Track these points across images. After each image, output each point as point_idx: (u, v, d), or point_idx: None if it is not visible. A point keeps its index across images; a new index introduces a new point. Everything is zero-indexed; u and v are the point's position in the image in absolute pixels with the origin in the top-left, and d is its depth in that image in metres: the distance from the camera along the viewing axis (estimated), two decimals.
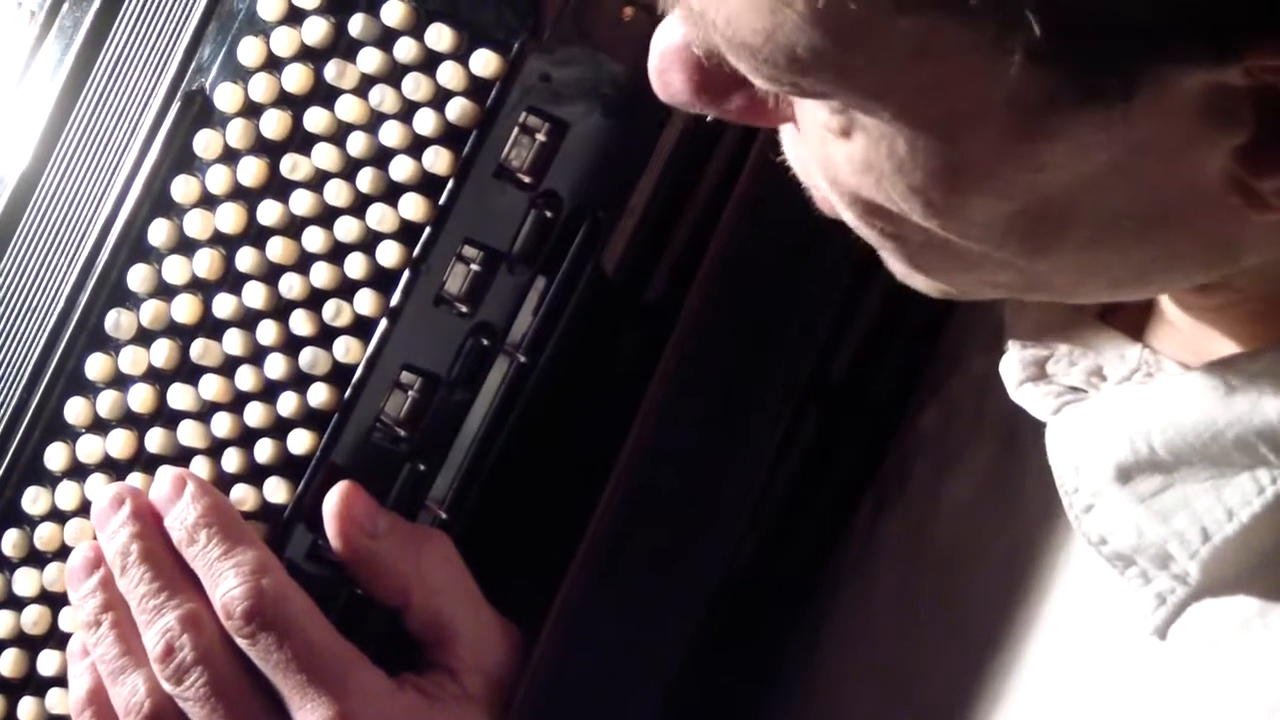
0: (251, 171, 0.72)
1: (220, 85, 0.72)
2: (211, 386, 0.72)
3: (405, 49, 0.70)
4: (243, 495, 0.72)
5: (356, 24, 0.71)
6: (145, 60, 0.74)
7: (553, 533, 0.74)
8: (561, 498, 0.74)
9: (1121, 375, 0.61)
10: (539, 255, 0.72)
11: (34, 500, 0.73)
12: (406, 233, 0.71)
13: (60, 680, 0.73)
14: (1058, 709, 0.64)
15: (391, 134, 0.70)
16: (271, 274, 0.71)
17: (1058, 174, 0.49)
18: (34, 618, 0.73)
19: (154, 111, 0.73)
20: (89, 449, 0.73)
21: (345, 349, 0.71)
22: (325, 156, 0.71)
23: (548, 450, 0.74)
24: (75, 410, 0.73)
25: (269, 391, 0.72)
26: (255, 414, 0.72)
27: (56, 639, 0.73)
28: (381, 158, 0.71)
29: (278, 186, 0.72)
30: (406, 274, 0.71)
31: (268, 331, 0.71)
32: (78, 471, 0.73)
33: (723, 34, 0.48)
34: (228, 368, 0.72)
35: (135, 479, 0.72)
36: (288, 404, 0.71)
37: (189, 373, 0.72)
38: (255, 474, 0.72)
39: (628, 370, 0.75)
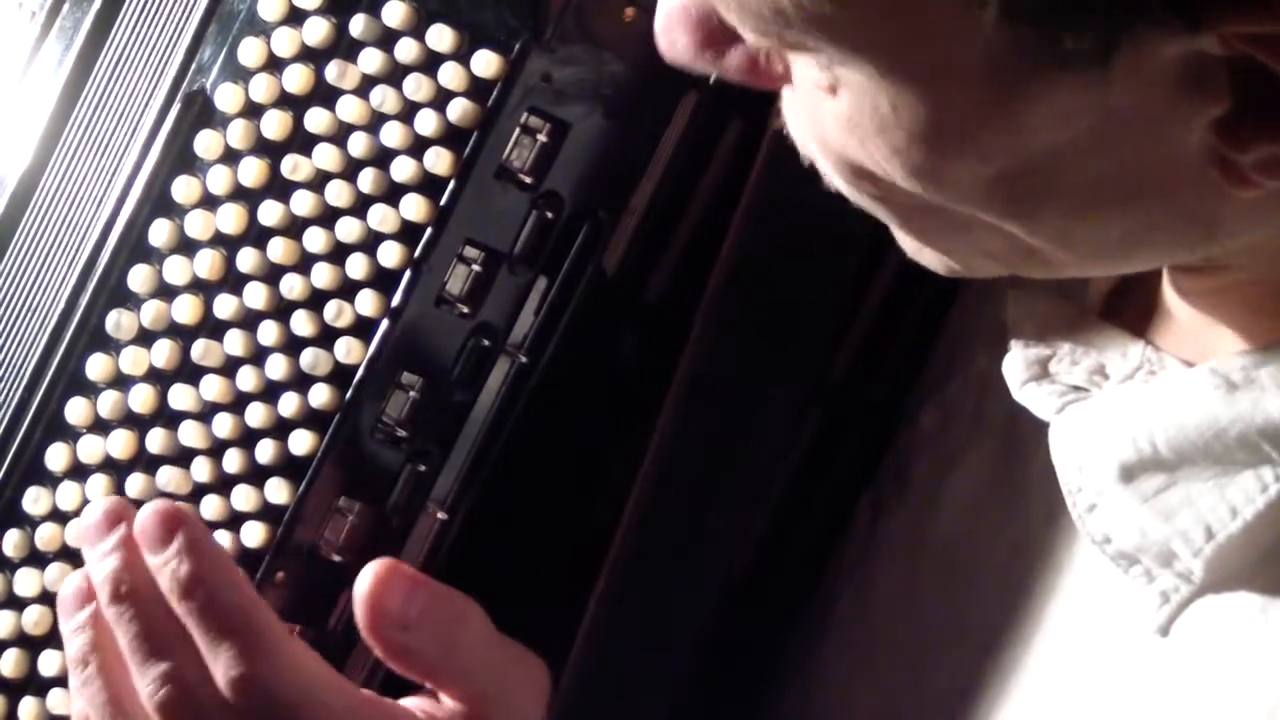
0: (252, 172, 0.71)
1: (221, 86, 0.72)
2: (213, 387, 0.72)
3: (406, 49, 0.70)
4: (244, 496, 0.71)
5: (357, 24, 0.71)
6: (146, 61, 0.74)
7: (554, 533, 0.74)
8: (562, 497, 0.75)
9: (1124, 374, 0.62)
10: (540, 256, 0.72)
11: (35, 500, 0.73)
12: (407, 233, 0.70)
13: (61, 681, 0.73)
14: (1059, 707, 0.64)
15: (393, 135, 0.70)
16: (272, 274, 0.71)
17: (1038, 138, 0.49)
18: (35, 618, 0.73)
19: (155, 112, 0.73)
20: (90, 449, 0.73)
21: (346, 349, 0.71)
22: (326, 157, 0.71)
23: (549, 450, 0.74)
24: (76, 411, 0.73)
25: (270, 392, 0.72)
26: (256, 414, 0.71)
27: (57, 640, 0.72)
28: (383, 158, 0.71)
29: (279, 187, 0.71)
30: (408, 274, 0.71)
31: (269, 332, 0.71)
32: (79, 472, 0.73)
33: None
34: (229, 368, 0.72)
35: (136, 480, 0.72)
36: (289, 404, 0.71)
37: (190, 373, 0.72)
38: (256, 474, 0.72)
39: (629, 369, 0.75)
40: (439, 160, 0.70)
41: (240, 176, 0.72)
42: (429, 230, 0.70)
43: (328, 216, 0.71)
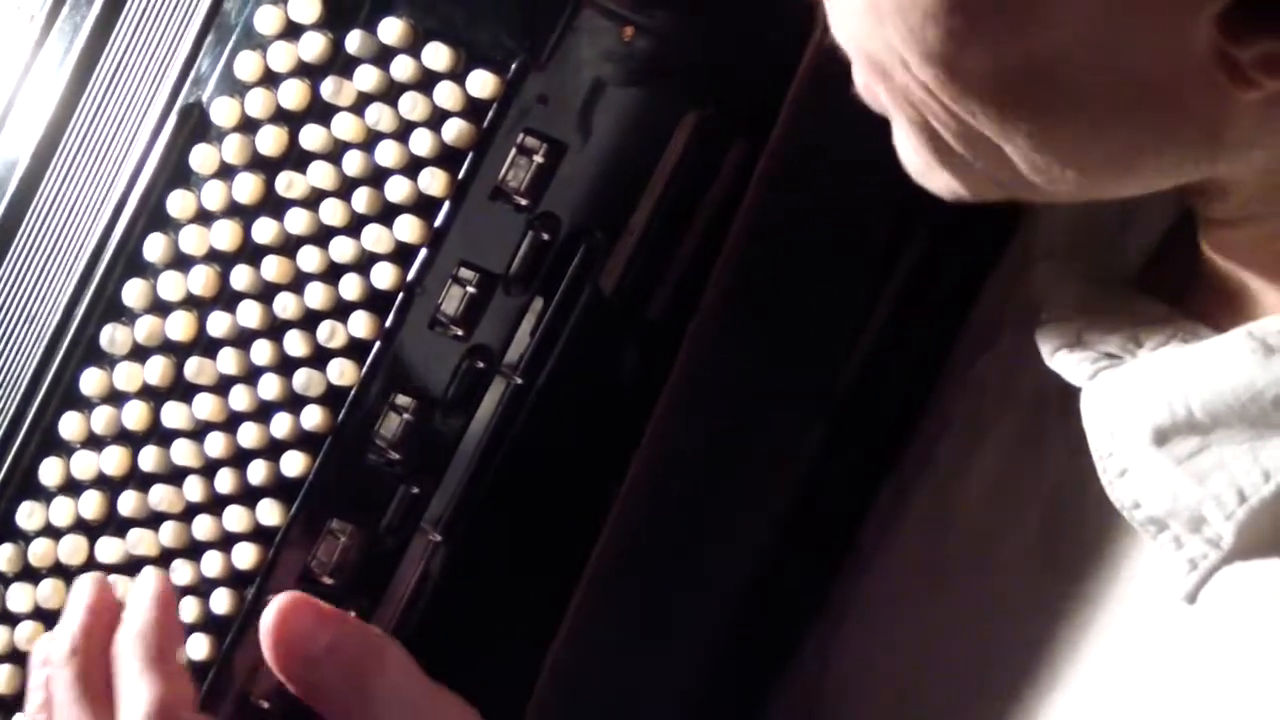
0: (247, 188, 0.71)
1: (217, 99, 0.71)
2: (206, 405, 0.71)
3: (403, 67, 0.69)
4: (236, 516, 0.71)
5: (354, 41, 0.70)
6: (144, 68, 0.73)
7: (550, 555, 0.74)
8: (558, 519, 0.74)
9: (1159, 340, 0.61)
10: (536, 277, 0.71)
11: (29, 515, 0.73)
12: (402, 254, 0.70)
13: None
14: (1087, 675, 0.64)
15: (388, 154, 0.70)
16: (266, 293, 0.71)
17: (1049, 30, 0.50)
18: (28, 634, 0.73)
19: (152, 123, 0.72)
20: (83, 465, 0.73)
21: (339, 371, 0.70)
22: (321, 175, 0.70)
23: (544, 472, 0.74)
24: (70, 425, 0.73)
25: (263, 412, 0.71)
26: (249, 434, 0.71)
27: None
28: (377, 178, 0.70)
29: (273, 204, 0.71)
30: (401, 296, 0.70)
31: (262, 351, 0.71)
32: (72, 487, 0.73)
33: None
34: (222, 387, 0.71)
35: (129, 498, 0.72)
36: (281, 425, 0.71)
37: (183, 391, 0.72)
38: (248, 495, 0.71)
39: (626, 391, 0.74)
40: (434, 181, 0.69)
41: (235, 192, 0.71)
42: (423, 251, 0.70)
43: (322, 235, 0.70)
